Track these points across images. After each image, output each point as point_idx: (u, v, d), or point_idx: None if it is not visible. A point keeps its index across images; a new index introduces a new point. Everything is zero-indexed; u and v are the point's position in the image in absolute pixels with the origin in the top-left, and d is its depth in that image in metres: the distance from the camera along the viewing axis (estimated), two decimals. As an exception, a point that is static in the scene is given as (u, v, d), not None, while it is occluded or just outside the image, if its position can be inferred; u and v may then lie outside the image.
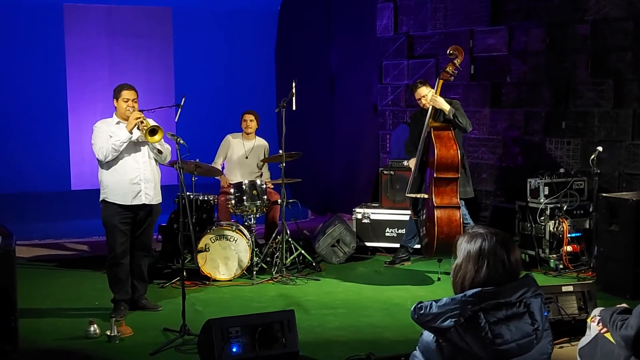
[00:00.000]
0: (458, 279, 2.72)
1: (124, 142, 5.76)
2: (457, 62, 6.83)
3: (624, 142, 7.52)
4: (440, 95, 6.96)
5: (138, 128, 5.75)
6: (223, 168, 8.10)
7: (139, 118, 5.72)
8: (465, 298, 2.60)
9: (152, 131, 5.67)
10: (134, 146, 5.87)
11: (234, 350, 4.64)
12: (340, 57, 10.42)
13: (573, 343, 4.95)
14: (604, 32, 7.69)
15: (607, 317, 3.44)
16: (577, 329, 5.09)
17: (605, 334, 3.51)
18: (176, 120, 7.26)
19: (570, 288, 5.37)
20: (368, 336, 5.54)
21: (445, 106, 6.85)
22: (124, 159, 5.85)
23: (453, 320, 2.57)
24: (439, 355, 2.60)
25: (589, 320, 3.75)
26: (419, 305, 2.68)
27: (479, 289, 2.62)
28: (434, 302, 2.65)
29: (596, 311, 3.73)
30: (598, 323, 3.60)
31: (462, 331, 2.56)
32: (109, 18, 10.08)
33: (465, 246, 2.74)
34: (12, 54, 9.63)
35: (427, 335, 2.66)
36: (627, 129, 7.51)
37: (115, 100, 5.94)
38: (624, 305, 3.52)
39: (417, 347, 2.72)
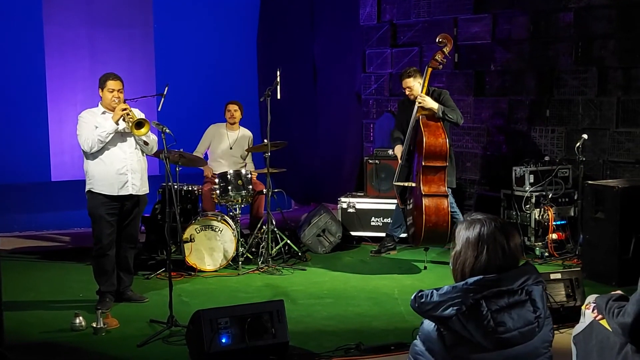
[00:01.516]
0: (458, 266, 2.69)
1: (110, 134, 5.68)
2: (446, 50, 6.81)
3: (608, 129, 7.55)
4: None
5: (124, 120, 5.67)
6: (206, 158, 8.03)
7: (126, 109, 5.65)
8: (467, 286, 2.57)
9: (139, 124, 5.60)
10: (120, 136, 5.79)
11: (224, 341, 4.60)
12: (323, 46, 10.37)
13: (562, 330, 4.97)
14: (587, 19, 7.70)
15: (602, 304, 3.43)
16: (565, 316, 5.11)
17: (601, 321, 3.50)
18: (159, 109, 7.16)
19: (559, 275, 5.39)
20: (356, 325, 5.52)
21: (433, 105, 6.81)
22: (111, 149, 5.77)
23: (455, 308, 2.54)
24: (440, 344, 2.57)
25: (583, 307, 3.74)
26: (419, 294, 2.64)
27: (481, 276, 2.59)
28: (434, 291, 2.62)
29: (591, 298, 3.72)
30: (593, 310, 3.59)
31: (464, 319, 2.53)
32: (89, 7, 9.92)
33: (464, 233, 2.71)
34: (-11, 43, 9.47)
35: (428, 324, 2.62)
36: (611, 117, 7.54)
37: (100, 90, 5.85)
38: (619, 292, 3.51)
39: (417, 336, 2.69)
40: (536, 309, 2.61)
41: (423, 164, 6.69)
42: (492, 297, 2.56)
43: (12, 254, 7.71)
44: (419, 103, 6.85)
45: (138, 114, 5.81)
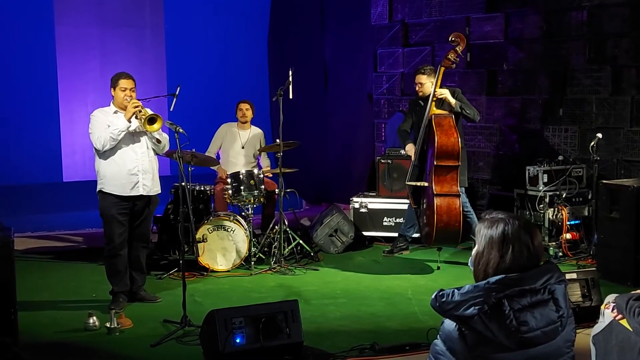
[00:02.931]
0: (481, 267, 2.65)
1: (122, 131, 5.67)
2: (459, 49, 6.77)
3: (622, 128, 7.50)
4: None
5: (136, 117, 5.66)
6: (218, 158, 8.01)
7: (138, 107, 5.64)
8: (489, 285, 2.53)
9: (151, 120, 5.59)
10: (132, 137, 5.79)
11: (238, 341, 4.58)
12: (334, 46, 10.35)
13: (578, 331, 4.90)
14: (601, 18, 7.66)
15: (623, 303, 3.40)
16: (581, 316, 5.07)
17: (621, 321, 3.47)
18: (171, 109, 7.16)
19: (574, 275, 5.35)
20: (370, 326, 5.49)
21: (451, 99, 6.80)
22: (122, 149, 5.76)
23: (477, 308, 2.50)
24: (461, 343, 2.53)
25: (602, 306, 3.71)
26: (440, 293, 2.61)
27: (503, 275, 2.55)
28: (455, 290, 2.58)
29: (610, 297, 3.68)
30: (613, 309, 3.56)
31: (486, 319, 2.50)
32: (99, 7, 9.95)
33: (486, 232, 2.66)
34: (1, 44, 9.49)
35: (449, 324, 2.59)
36: (625, 116, 7.49)
37: (112, 89, 5.85)
38: (639, 291, 3.47)
39: (437, 336, 2.65)
40: (559, 308, 2.58)
41: (435, 163, 6.66)
42: (515, 296, 2.52)
43: (25, 254, 7.71)
44: (440, 95, 6.82)
45: (150, 111, 5.80)
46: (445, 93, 6.82)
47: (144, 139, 5.87)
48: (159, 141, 5.86)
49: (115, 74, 5.92)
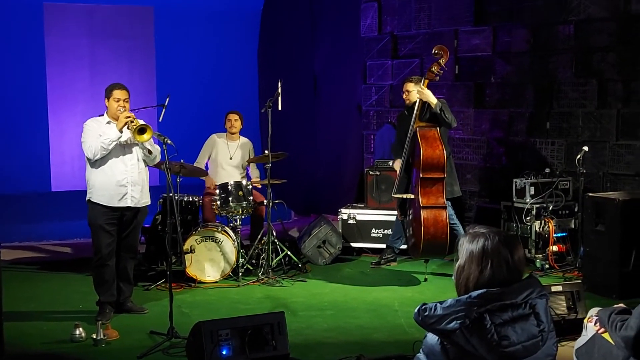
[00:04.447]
0: (462, 280, 2.68)
1: (113, 141, 5.70)
2: (442, 61, 6.81)
3: (608, 142, 7.56)
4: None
5: (128, 128, 5.68)
6: (207, 168, 8.03)
7: (129, 117, 5.66)
8: (471, 299, 2.56)
9: (141, 130, 5.61)
10: (123, 148, 5.81)
11: (224, 353, 4.58)
12: (323, 57, 10.39)
13: (563, 343, 4.95)
14: (587, 32, 7.73)
15: (605, 317, 3.43)
16: (566, 329, 5.10)
17: (603, 334, 3.50)
18: (160, 120, 7.18)
19: (560, 288, 5.38)
20: (357, 337, 5.50)
21: (432, 99, 6.81)
22: (112, 160, 5.78)
23: (458, 322, 2.53)
24: (443, 357, 2.56)
25: (585, 320, 3.74)
26: (422, 307, 2.64)
27: (484, 290, 2.59)
28: (438, 304, 2.61)
29: (593, 311, 3.71)
30: (595, 323, 3.59)
31: (467, 333, 2.53)
32: (90, 17, 9.95)
33: (467, 246, 2.70)
34: (-10, 54, 9.49)
35: (432, 338, 2.62)
36: (611, 130, 7.56)
37: (106, 100, 5.89)
38: (622, 305, 3.51)
39: (420, 350, 2.68)
40: (540, 323, 2.61)
41: (421, 175, 6.69)
42: (496, 310, 2.56)
43: (13, 265, 7.69)
44: (417, 94, 6.87)
45: (141, 122, 5.82)
46: (424, 92, 6.82)
47: (135, 150, 5.89)
48: (150, 152, 5.88)
49: (109, 84, 5.96)
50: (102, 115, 5.94)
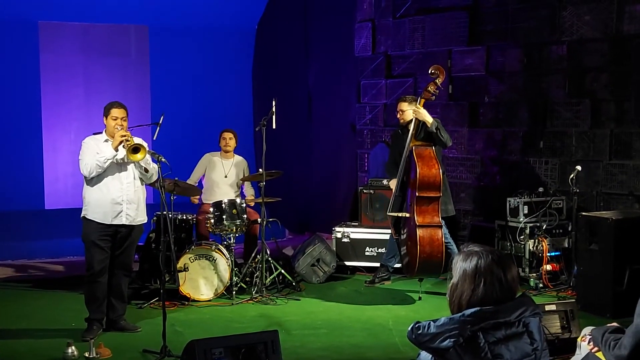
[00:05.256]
0: (455, 299, 2.68)
1: (109, 159, 5.73)
2: (438, 81, 6.85)
3: (602, 161, 7.59)
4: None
5: (123, 146, 5.70)
6: (200, 186, 8.02)
7: (125, 136, 5.68)
8: (464, 318, 2.56)
9: (135, 149, 5.62)
10: (119, 166, 5.84)
11: (217, 371, 4.55)
12: (318, 76, 10.43)
13: (557, 362, 4.95)
14: (580, 53, 7.78)
15: (598, 336, 3.43)
16: (560, 348, 5.10)
17: (597, 354, 3.50)
18: (154, 138, 7.20)
19: (553, 307, 5.37)
20: (351, 356, 5.50)
21: (428, 118, 6.84)
22: (109, 178, 5.81)
23: (452, 340, 2.53)
24: (437, 376, 2.56)
25: (579, 339, 3.74)
26: (416, 325, 2.63)
27: (478, 308, 2.59)
28: (431, 322, 2.61)
29: (587, 330, 3.71)
30: (589, 342, 3.59)
31: (461, 351, 2.52)
32: (84, 36, 9.99)
33: (461, 265, 2.71)
34: (-15, 71, 9.51)
35: (425, 356, 2.61)
36: (604, 149, 7.58)
37: (105, 118, 5.93)
38: (615, 324, 3.51)
39: (414, 368, 2.68)
40: (533, 341, 2.61)
41: (417, 194, 6.71)
42: (490, 329, 2.56)
43: (5, 282, 7.67)
44: (413, 113, 6.89)
45: (137, 140, 5.83)
46: (420, 112, 6.85)
47: (131, 168, 5.91)
48: (146, 170, 5.91)
49: (108, 102, 6.00)
50: (101, 133, 5.98)
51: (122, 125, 5.83)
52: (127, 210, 5.85)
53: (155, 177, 6.00)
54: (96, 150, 5.78)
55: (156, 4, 9.89)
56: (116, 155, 5.74)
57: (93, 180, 5.80)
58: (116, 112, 5.87)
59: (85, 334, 5.73)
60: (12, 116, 9.60)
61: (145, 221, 6.08)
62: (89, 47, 10.00)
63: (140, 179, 5.98)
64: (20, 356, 5.41)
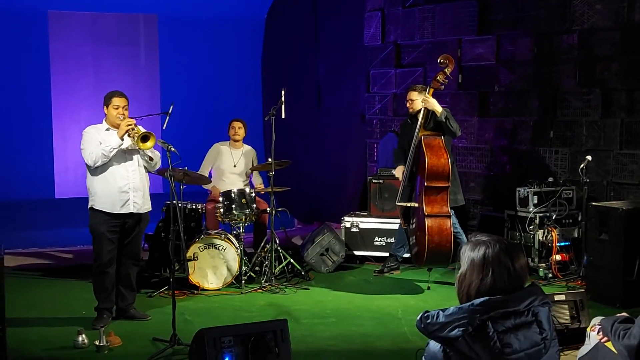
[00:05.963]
0: (463, 288, 2.68)
1: (115, 149, 5.71)
2: (447, 70, 6.83)
3: (612, 151, 7.56)
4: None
5: (129, 135, 5.69)
6: (210, 177, 8.03)
7: (130, 125, 5.68)
8: (473, 307, 2.56)
9: (144, 138, 5.62)
10: (123, 154, 5.82)
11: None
12: (327, 66, 10.41)
13: (566, 352, 4.94)
14: (591, 42, 7.73)
15: (608, 326, 3.42)
16: (569, 338, 5.09)
17: (606, 343, 3.49)
18: (164, 128, 7.19)
19: (563, 297, 5.36)
20: (360, 346, 5.50)
21: (437, 108, 6.83)
22: (114, 167, 5.79)
23: (461, 329, 2.53)
24: (446, 365, 2.56)
25: (588, 329, 3.73)
26: (425, 315, 2.63)
27: (487, 297, 2.58)
28: (440, 311, 2.61)
29: (596, 320, 3.71)
30: (598, 332, 3.58)
31: (470, 341, 2.52)
32: (94, 25, 10.00)
33: (469, 254, 2.70)
34: (-5, 61, 9.54)
35: (434, 345, 2.62)
36: (614, 139, 7.55)
37: (105, 107, 5.89)
38: (625, 314, 3.50)
39: (423, 357, 2.68)
40: (542, 330, 2.61)
41: (425, 184, 6.70)
42: (499, 318, 2.55)
43: (16, 271, 7.70)
44: (423, 102, 6.88)
45: (143, 129, 5.84)
46: (429, 101, 6.84)
47: (135, 156, 5.90)
48: (151, 159, 5.90)
49: (108, 92, 5.96)
50: (101, 122, 5.95)
51: (123, 114, 5.81)
52: (134, 198, 5.85)
53: (159, 165, 6.01)
54: (99, 140, 5.75)
55: (165, -7, 9.90)
56: (122, 144, 5.73)
57: (97, 170, 5.78)
58: (117, 101, 5.84)
59: (95, 322, 5.76)
60: (22, 105, 9.64)
61: (151, 209, 6.08)
62: (98, 36, 10.02)
63: (144, 166, 5.98)
64: (31, 344, 5.44)
